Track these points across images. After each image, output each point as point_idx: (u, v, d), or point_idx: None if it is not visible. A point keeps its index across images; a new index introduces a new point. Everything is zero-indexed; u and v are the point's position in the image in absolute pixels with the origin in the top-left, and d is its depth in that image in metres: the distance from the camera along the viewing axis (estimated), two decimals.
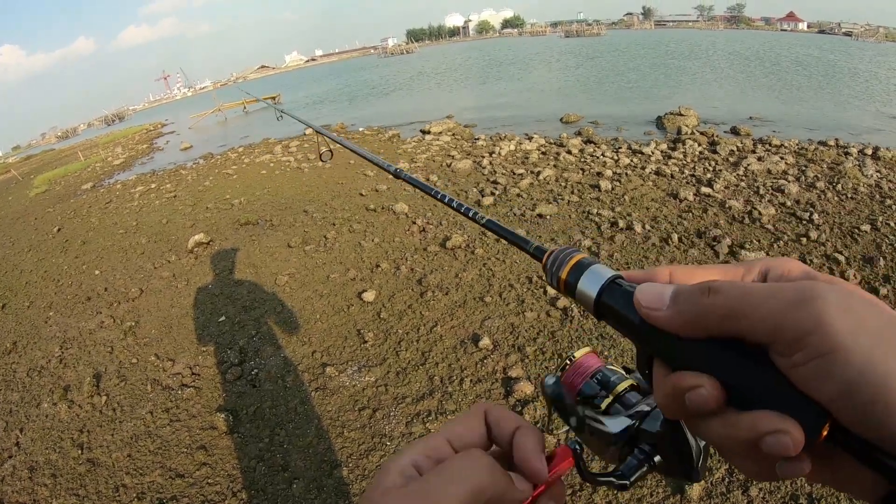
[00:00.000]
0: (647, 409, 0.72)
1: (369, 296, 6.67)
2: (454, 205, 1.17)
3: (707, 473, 3.66)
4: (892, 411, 0.35)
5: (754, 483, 3.55)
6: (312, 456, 4.37)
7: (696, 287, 0.47)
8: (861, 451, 0.39)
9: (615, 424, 0.73)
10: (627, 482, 0.68)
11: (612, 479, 0.68)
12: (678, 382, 0.47)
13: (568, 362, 0.82)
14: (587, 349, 0.84)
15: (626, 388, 0.76)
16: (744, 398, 0.44)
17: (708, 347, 0.46)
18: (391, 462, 0.54)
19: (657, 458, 0.68)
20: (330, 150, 2.61)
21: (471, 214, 1.08)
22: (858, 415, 0.37)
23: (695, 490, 3.51)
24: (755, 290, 0.43)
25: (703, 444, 0.65)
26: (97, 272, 9.28)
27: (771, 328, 0.41)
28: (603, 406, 0.76)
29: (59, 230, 12.79)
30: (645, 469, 0.68)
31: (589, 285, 0.59)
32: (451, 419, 0.59)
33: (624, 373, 0.79)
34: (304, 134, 19.34)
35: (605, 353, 4.84)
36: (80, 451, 4.88)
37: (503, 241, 6.25)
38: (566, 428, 0.79)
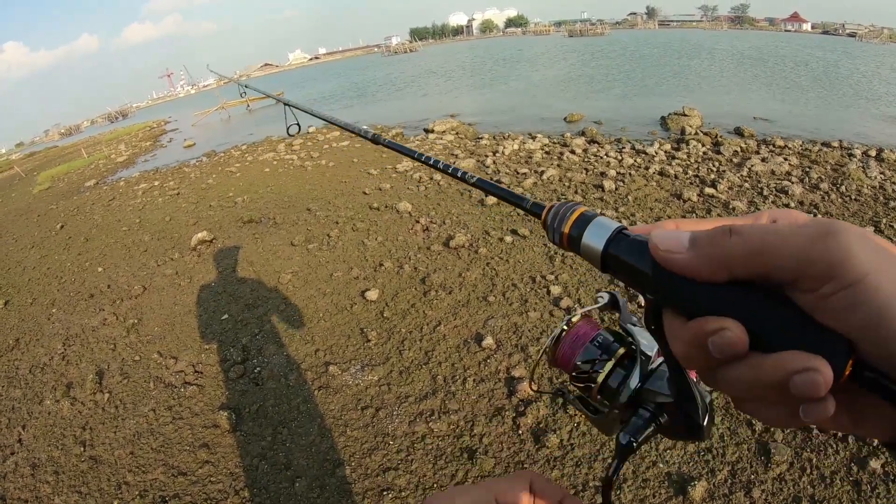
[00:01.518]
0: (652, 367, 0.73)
1: (372, 294, 6.67)
2: (440, 166, 1.16)
3: (710, 473, 3.66)
4: None
5: (757, 484, 3.55)
6: (315, 455, 4.37)
7: (717, 229, 0.46)
8: (884, 387, 0.39)
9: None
10: (635, 443, 0.69)
11: (616, 459, 0.70)
12: (700, 327, 0.46)
13: (565, 327, 0.82)
14: (581, 314, 0.83)
15: (625, 353, 0.76)
16: (767, 340, 0.43)
17: (727, 290, 0.46)
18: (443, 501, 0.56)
19: (663, 418, 0.69)
20: (297, 124, 2.60)
21: (459, 175, 1.06)
22: (884, 348, 0.37)
23: (697, 491, 3.51)
24: (778, 228, 0.43)
25: (708, 400, 0.65)
26: (100, 269, 9.29)
27: (798, 262, 0.41)
28: (606, 369, 0.76)
29: (62, 227, 12.80)
30: (652, 429, 0.69)
31: (594, 237, 0.58)
32: (497, 478, 0.60)
33: (624, 334, 0.79)
34: (308, 133, 19.34)
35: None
36: (82, 449, 4.88)
37: (506, 241, 6.25)
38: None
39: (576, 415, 4.32)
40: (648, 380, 0.72)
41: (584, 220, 0.60)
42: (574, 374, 0.80)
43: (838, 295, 0.38)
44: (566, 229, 0.62)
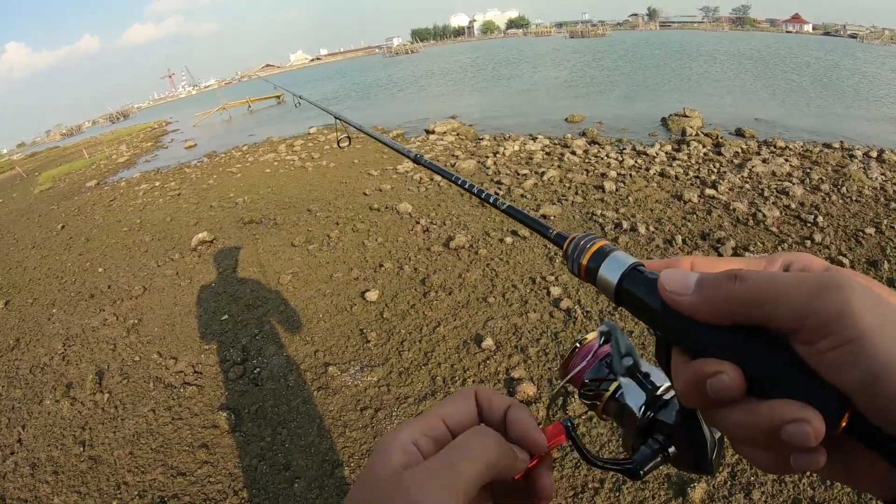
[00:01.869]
0: (665, 397, 0.73)
1: (372, 295, 6.67)
2: (475, 191, 1.18)
3: (710, 476, 3.66)
4: None
5: (756, 486, 3.55)
6: (314, 455, 4.37)
7: (723, 274, 0.47)
8: (881, 443, 0.38)
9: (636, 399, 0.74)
10: (641, 472, 0.68)
11: (624, 466, 0.69)
12: (700, 369, 0.47)
13: (577, 345, 0.83)
14: (595, 333, 0.84)
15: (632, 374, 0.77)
16: (764, 386, 0.44)
17: (730, 334, 0.46)
18: (391, 440, 0.56)
19: (671, 450, 0.69)
20: (348, 137, 2.63)
21: (492, 200, 1.10)
22: (881, 405, 0.37)
23: (697, 492, 3.51)
24: (781, 278, 0.43)
25: (717, 436, 0.65)
26: (100, 270, 9.29)
27: (797, 314, 0.40)
28: (610, 389, 0.77)
29: (62, 227, 12.81)
30: (659, 460, 0.69)
31: (610, 271, 0.59)
32: (442, 400, 0.61)
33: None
34: (309, 133, 19.34)
35: None
36: (81, 449, 4.89)
37: (506, 242, 6.27)
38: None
39: (574, 416, 4.31)
40: (660, 410, 0.72)
41: (602, 254, 0.62)
42: (581, 390, 0.82)
43: (836, 351, 0.38)
44: (584, 261, 0.63)
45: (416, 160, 1.61)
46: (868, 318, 0.37)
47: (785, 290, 0.42)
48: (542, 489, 0.61)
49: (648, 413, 0.73)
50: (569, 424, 0.64)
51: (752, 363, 0.44)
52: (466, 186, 1.22)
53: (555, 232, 0.78)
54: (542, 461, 0.61)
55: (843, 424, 0.40)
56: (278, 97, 40.51)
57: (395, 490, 0.51)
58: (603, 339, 0.82)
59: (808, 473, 3.39)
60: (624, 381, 0.76)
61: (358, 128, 2.32)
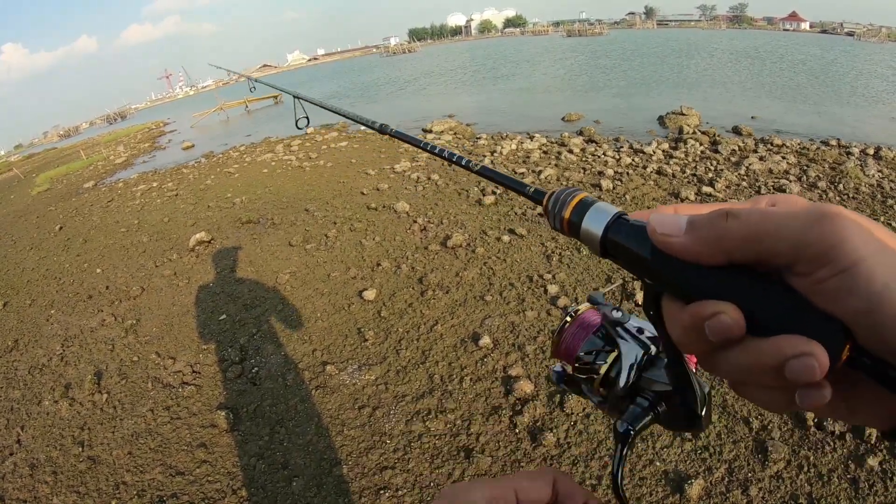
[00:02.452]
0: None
1: (370, 294, 6.68)
2: (445, 154, 1.17)
3: (707, 471, 3.67)
4: None
5: (754, 482, 3.56)
6: (312, 454, 4.37)
7: (714, 213, 0.46)
8: (881, 371, 0.39)
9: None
10: (632, 431, 0.69)
11: (616, 452, 0.69)
12: (697, 312, 0.46)
13: (569, 318, 0.82)
14: (588, 305, 0.84)
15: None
16: (764, 324, 0.43)
17: (725, 274, 0.46)
18: (462, 495, 0.56)
19: (661, 408, 0.70)
20: (306, 117, 2.60)
21: (463, 163, 1.07)
22: (881, 331, 0.37)
23: (694, 489, 3.52)
24: (775, 213, 0.43)
25: (707, 391, 0.65)
26: (98, 270, 9.29)
27: (794, 246, 0.40)
28: (608, 361, 0.77)
29: (60, 228, 12.81)
30: (650, 418, 0.70)
31: (594, 223, 0.58)
32: (521, 472, 0.61)
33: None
34: (306, 133, 19.32)
35: None
36: (80, 449, 4.89)
37: (503, 240, 6.27)
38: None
39: (572, 413, 4.33)
40: (648, 368, 0.73)
41: (584, 206, 0.61)
42: (576, 364, 0.81)
43: (833, 279, 0.39)
44: (566, 214, 0.62)
45: (382, 130, 1.59)
46: (864, 245, 0.38)
47: (780, 223, 0.42)
48: None
49: (636, 373, 0.73)
50: None
51: (750, 301, 0.44)
52: (436, 152, 1.21)
53: (532, 189, 0.75)
54: None
55: (845, 356, 0.40)
56: (275, 97, 40.47)
57: None
58: (591, 305, 0.82)
59: (805, 469, 3.42)
60: (623, 345, 0.76)
61: (318, 104, 2.28)
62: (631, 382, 0.73)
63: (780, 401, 0.45)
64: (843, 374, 0.41)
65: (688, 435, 3.97)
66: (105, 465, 4.64)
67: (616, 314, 0.77)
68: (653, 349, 0.75)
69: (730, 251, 0.45)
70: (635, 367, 0.74)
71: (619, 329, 0.77)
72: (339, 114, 1.95)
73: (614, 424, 0.72)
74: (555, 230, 0.66)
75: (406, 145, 15.17)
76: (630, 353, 0.75)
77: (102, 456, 4.75)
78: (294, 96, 2.58)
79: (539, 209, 8.52)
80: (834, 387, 0.41)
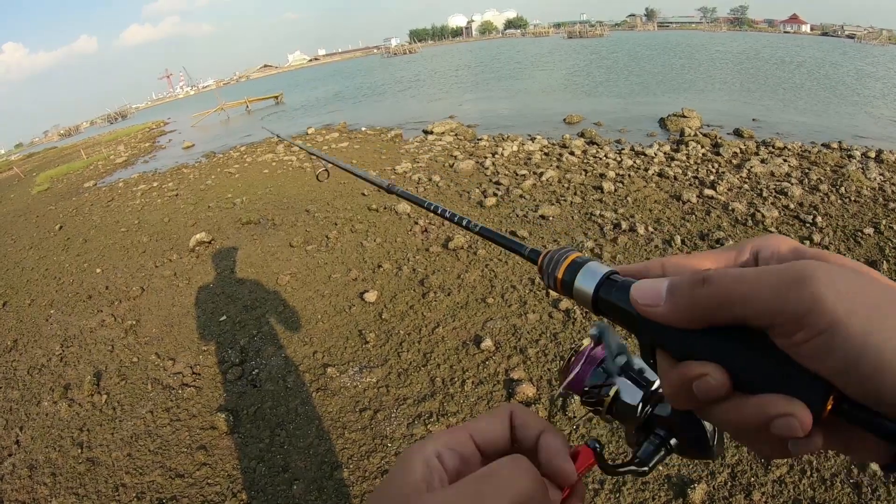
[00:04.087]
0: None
1: (371, 296, 6.66)
2: (447, 215, 1.18)
3: (710, 476, 3.65)
4: (894, 382, 0.36)
5: (756, 487, 3.54)
6: (313, 457, 4.36)
7: (689, 279, 0.47)
8: (864, 420, 0.40)
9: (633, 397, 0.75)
10: (647, 468, 0.69)
11: (632, 467, 0.70)
12: (684, 373, 0.47)
13: (574, 352, 0.83)
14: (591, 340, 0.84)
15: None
16: (749, 382, 0.44)
17: (709, 335, 0.47)
18: (415, 451, 0.55)
19: (673, 441, 0.70)
20: (326, 171, 2.62)
21: (464, 224, 1.10)
22: (861, 386, 0.38)
23: (697, 493, 3.50)
24: (747, 276, 0.43)
25: None
26: (98, 270, 9.28)
27: (769, 311, 0.41)
28: (611, 394, 0.77)
29: (60, 228, 12.80)
30: (663, 453, 0.70)
31: (585, 282, 0.61)
32: (477, 416, 0.60)
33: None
34: (307, 133, 19.34)
35: None
36: (79, 450, 4.87)
37: None
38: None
39: (574, 417, 4.31)
40: (657, 405, 0.73)
41: (576, 266, 0.63)
42: (584, 397, 0.82)
43: (811, 342, 0.39)
44: (559, 275, 0.65)
45: (389, 190, 1.65)
46: (839, 305, 0.38)
47: (753, 288, 0.42)
48: None
49: (647, 409, 0.74)
50: (596, 447, 0.64)
51: (734, 361, 0.45)
52: (439, 212, 1.24)
53: (528, 249, 0.79)
54: (572, 492, 0.58)
55: (829, 408, 0.41)
56: (277, 97, 40.54)
57: None
58: (594, 343, 0.82)
59: (808, 474, 3.40)
60: (620, 381, 0.77)
61: (333, 163, 2.32)
62: (642, 420, 0.74)
63: (772, 450, 0.46)
64: (832, 420, 0.42)
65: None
66: (104, 467, 4.62)
67: (619, 360, 0.78)
68: (657, 386, 0.75)
69: (707, 317, 0.46)
70: (640, 405, 0.74)
71: (617, 368, 0.78)
72: (354, 174, 1.98)
73: (631, 458, 0.72)
74: (550, 289, 0.69)
75: (406, 146, 15.26)
76: (628, 391, 0.76)
77: (101, 457, 4.74)
78: (309, 153, 2.63)
79: (541, 211, 8.56)
80: (826, 430, 0.43)
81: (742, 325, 0.44)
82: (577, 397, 0.83)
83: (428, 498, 0.50)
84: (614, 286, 0.57)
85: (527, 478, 0.51)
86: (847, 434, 0.44)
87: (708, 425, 0.66)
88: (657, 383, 0.74)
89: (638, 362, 0.77)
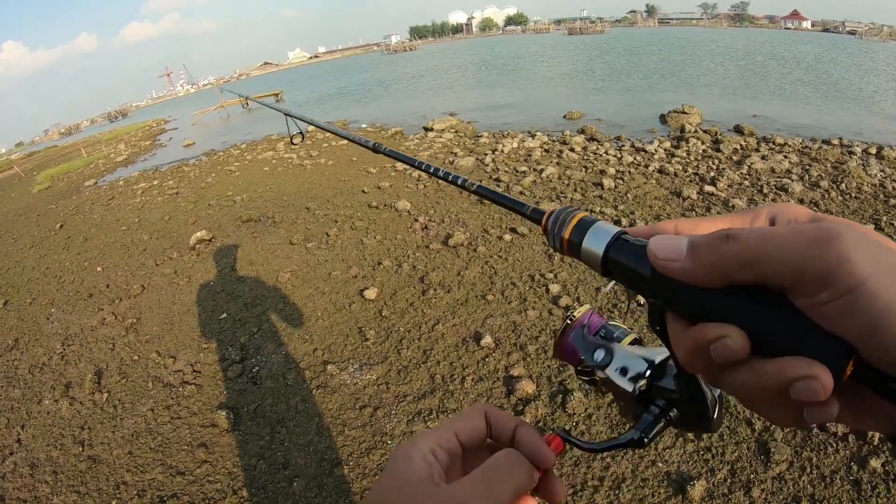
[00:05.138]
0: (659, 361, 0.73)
1: (371, 293, 6.67)
2: (440, 174, 1.15)
3: (709, 472, 3.66)
4: None
5: (756, 484, 3.55)
6: (313, 454, 4.36)
7: (714, 235, 0.46)
8: (884, 385, 0.39)
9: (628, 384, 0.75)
10: (646, 440, 0.70)
11: (623, 441, 0.70)
12: (702, 335, 0.46)
13: (569, 322, 0.83)
14: (587, 307, 0.84)
15: (630, 342, 0.78)
16: (768, 344, 0.43)
17: (728, 296, 0.46)
18: (412, 449, 0.59)
19: (673, 413, 0.70)
20: (301, 133, 2.60)
21: (459, 182, 1.07)
22: (884, 350, 0.37)
23: (696, 490, 3.50)
24: (774, 234, 0.43)
25: (717, 393, 0.67)
26: (99, 269, 9.28)
27: (794, 269, 0.40)
28: (607, 366, 0.78)
29: (61, 227, 12.80)
30: (662, 424, 0.71)
31: (594, 242, 0.58)
32: (454, 416, 0.63)
33: (627, 328, 0.80)
34: (307, 131, 19.33)
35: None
36: (81, 448, 4.88)
37: (505, 239, 6.25)
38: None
39: (574, 414, 4.31)
40: (657, 376, 0.73)
41: (584, 226, 0.61)
42: (578, 367, 0.81)
43: (836, 302, 0.38)
44: (566, 234, 0.62)
45: (375, 149, 1.59)
46: (865, 266, 0.38)
47: (780, 245, 0.41)
48: (555, 494, 0.64)
49: (645, 381, 0.73)
50: (563, 434, 0.66)
51: (753, 323, 0.44)
52: (431, 171, 1.20)
53: (531, 208, 0.75)
54: (547, 473, 0.63)
55: (849, 372, 0.40)
56: (277, 95, 40.51)
57: (432, 499, 0.54)
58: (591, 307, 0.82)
59: (808, 471, 3.41)
60: (618, 353, 0.76)
61: (310, 121, 2.30)
62: (640, 392, 0.73)
63: (787, 417, 0.46)
64: (848, 385, 0.41)
65: (690, 436, 3.97)
66: (105, 465, 4.63)
67: (615, 336, 0.78)
68: (658, 359, 0.74)
69: (730, 275, 0.45)
70: (642, 377, 0.74)
71: (613, 342, 0.78)
72: (331, 132, 1.95)
73: (630, 430, 0.73)
74: (554, 249, 0.66)
75: (407, 143, 15.24)
76: (623, 360, 0.76)
77: (103, 455, 4.74)
78: (286, 114, 2.58)
79: (541, 206, 8.52)
80: (842, 398, 0.42)
81: (759, 286, 0.44)
82: (574, 371, 0.82)
83: (441, 490, 0.55)
84: (625, 246, 0.56)
85: (524, 467, 0.60)
86: (858, 400, 0.43)
87: (709, 395, 0.66)
88: (657, 358, 0.74)
89: (633, 334, 0.77)
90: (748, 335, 0.44)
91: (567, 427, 4.21)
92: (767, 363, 0.43)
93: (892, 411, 0.42)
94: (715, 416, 0.66)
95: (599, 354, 0.79)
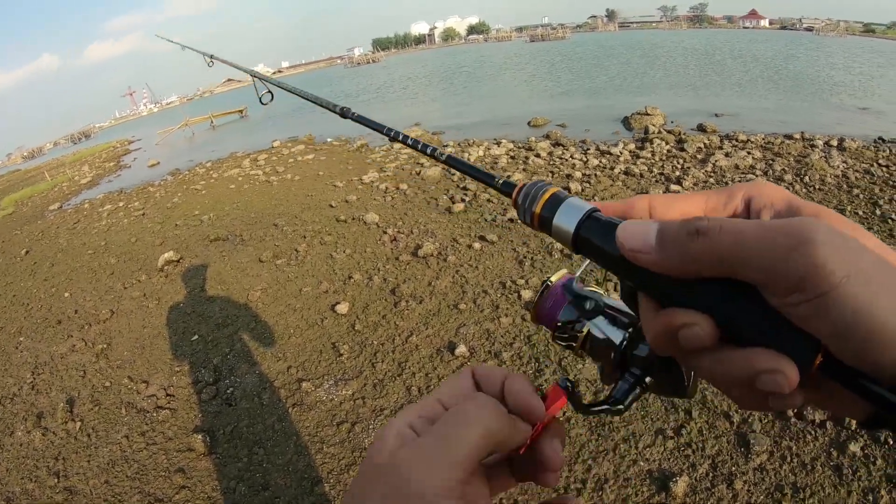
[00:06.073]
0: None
1: (343, 308, 6.64)
2: (409, 142, 1.13)
3: (691, 468, 3.69)
4: (884, 347, 0.36)
5: (738, 476, 3.59)
6: (292, 473, 4.33)
7: (683, 228, 0.45)
8: (849, 379, 0.39)
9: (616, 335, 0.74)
10: (622, 406, 0.68)
11: (606, 406, 0.68)
12: (670, 321, 0.46)
13: (548, 285, 0.82)
14: (564, 271, 0.84)
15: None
16: (736, 334, 0.44)
17: (698, 286, 0.45)
18: (386, 428, 0.55)
19: (648, 379, 0.69)
20: (270, 93, 2.61)
21: (428, 152, 1.04)
22: (851, 349, 0.38)
23: (679, 486, 3.53)
24: (745, 234, 0.42)
25: None
26: (67, 294, 9.15)
27: (765, 272, 0.40)
28: (584, 331, 0.77)
29: (27, 253, 12.59)
30: (638, 391, 0.69)
31: (566, 219, 0.57)
32: (440, 383, 0.62)
33: (603, 294, 0.80)
34: (272, 147, 19.26)
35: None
36: (56, 480, 4.80)
37: (475, 248, 6.26)
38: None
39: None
40: (633, 343, 0.72)
41: (556, 201, 0.59)
42: (556, 332, 0.80)
43: (806, 304, 0.38)
44: (537, 209, 0.60)
45: (343, 114, 1.57)
46: (838, 270, 0.37)
47: (750, 248, 0.41)
48: (547, 459, 0.59)
49: (622, 348, 0.72)
50: (567, 385, 0.63)
51: (722, 313, 0.44)
52: (400, 139, 1.19)
53: (501, 180, 0.75)
54: (545, 430, 0.59)
55: (816, 364, 0.40)
56: (241, 111, 40.32)
57: (388, 471, 0.50)
58: (568, 272, 0.82)
59: (788, 459, 3.46)
60: (596, 320, 0.76)
61: (277, 84, 2.29)
62: (617, 360, 0.73)
63: (752, 402, 0.46)
64: (815, 377, 0.41)
65: (670, 433, 4.00)
66: (82, 496, 4.55)
67: (593, 298, 0.77)
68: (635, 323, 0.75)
69: (700, 270, 0.44)
70: (619, 346, 0.73)
71: (592, 306, 0.77)
72: (298, 94, 1.93)
73: (607, 396, 0.72)
74: (524, 224, 0.66)
75: (373, 155, 15.21)
76: (601, 326, 0.75)
77: (79, 486, 4.67)
78: (252, 75, 2.58)
79: (509, 214, 8.58)
80: (808, 385, 0.42)
81: (732, 279, 0.43)
82: (551, 336, 0.82)
83: (398, 454, 0.51)
84: (597, 224, 0.55)
85: (489, 411, 0.53)
86: (827, 389, 0.44)
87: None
88: (635, 323, 0.74)
89: (613, 301, 0.77)
90: (717, 324, 0.44)
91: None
92: (735, 352, 0.43)
93: (859, 401, 0.42)
94: (689, 383, 0.65)
95: (589, 305, 0.78)
